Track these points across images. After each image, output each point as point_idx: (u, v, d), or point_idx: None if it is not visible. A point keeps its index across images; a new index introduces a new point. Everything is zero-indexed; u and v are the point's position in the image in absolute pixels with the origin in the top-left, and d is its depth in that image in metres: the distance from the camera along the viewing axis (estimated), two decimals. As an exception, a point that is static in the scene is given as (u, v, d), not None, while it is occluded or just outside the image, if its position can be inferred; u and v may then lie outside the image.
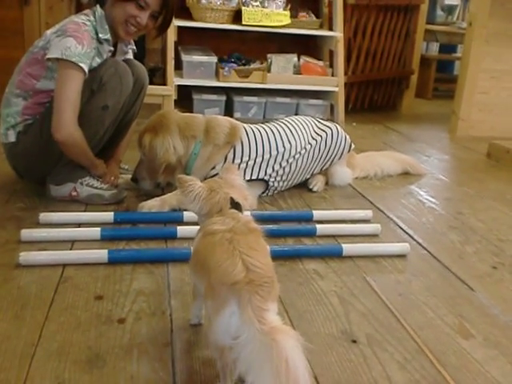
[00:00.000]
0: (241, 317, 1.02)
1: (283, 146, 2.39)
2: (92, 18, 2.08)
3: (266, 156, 2.35)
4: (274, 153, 2.37)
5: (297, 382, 0.93)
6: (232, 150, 2.30)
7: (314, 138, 2.50)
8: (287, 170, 2.42)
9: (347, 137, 2.64)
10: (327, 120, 2.71)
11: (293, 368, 0.94)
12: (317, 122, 2.60)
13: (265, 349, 0.96)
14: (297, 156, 2.43)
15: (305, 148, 2.46)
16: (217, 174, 2.25)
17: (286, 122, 2.52)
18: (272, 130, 2.43)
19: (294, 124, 2.52)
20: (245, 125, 2.40)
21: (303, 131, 2.49)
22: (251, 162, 2.31)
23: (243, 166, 2.29)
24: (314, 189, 2.57)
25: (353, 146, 2.67)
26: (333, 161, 2.60)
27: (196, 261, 1.22)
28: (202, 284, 1.18)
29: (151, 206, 2.11)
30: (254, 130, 2.40)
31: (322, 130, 2.55)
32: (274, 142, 2.38)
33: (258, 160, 2.33)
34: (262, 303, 1.03)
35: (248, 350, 0.98)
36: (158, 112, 2.38)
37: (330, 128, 2.57)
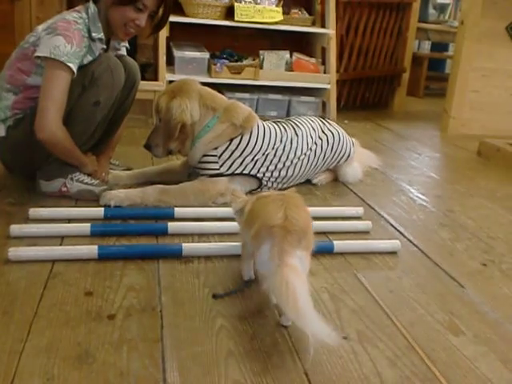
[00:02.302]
0: (269, 254, 1.30)
1: (283, 149, 2.36)
2: (84, 16, 2.05)
3: (269, 151, 2.32)
4: (272, 151, 2.33)
5: (295, 299, 1.18)
6: (239, 138, 2.27)
7: (315, 143, 2.48)
8: (283, 173, 2.39)
9: (348, 143, 2.60)
10: (331, 123, 2.64)
11: (292, 289, 1.18)
12: (320, 127, 2.55)
13: (274, 277, 1.24)
14: (295, 161, 2.40)
15: (304, 154, 2.44)
16: (215, 156, 2.23)
17: (293, 124, 2.48)
18: (276, 130, 2.39)
19: (301, 126, 2.48)
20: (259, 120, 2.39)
21: (306, 134, 2.46)
22: (250, 157, 2.28)
23: (241, 158, 2.26)
24: (314, 181, 2.59)
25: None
26: (335, 164, 2.62)
27: (249, 218, 1.46)
28: (250, 237, 1.41)
29: (113, 196, 2.09)
30: (265, 126, 2.38)
31: (320, 138, 2.50)
32: (280, 141, 2.36)
33: (258, 157, 2.29)
34: (289, 247, 1.30)
35: (270, 281, 1.27)
36: (182, 79, 2.36)
37: (326, 135, 2.52)
